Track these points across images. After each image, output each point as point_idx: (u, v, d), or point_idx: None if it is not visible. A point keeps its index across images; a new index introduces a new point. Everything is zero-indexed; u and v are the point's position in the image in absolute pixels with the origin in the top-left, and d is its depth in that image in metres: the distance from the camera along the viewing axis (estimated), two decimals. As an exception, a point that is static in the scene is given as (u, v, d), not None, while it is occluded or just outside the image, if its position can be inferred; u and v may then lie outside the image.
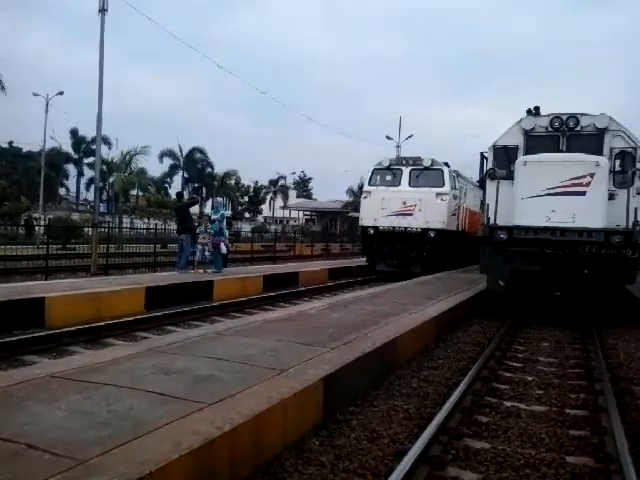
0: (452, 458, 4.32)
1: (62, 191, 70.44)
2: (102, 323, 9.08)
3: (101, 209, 49.30)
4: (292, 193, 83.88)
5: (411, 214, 19.53)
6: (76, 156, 67.16)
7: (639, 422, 5.33)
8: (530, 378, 6.91)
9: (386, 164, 20.36)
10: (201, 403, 3.94)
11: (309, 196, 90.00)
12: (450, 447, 4.50)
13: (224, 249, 15.30)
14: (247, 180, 72.62)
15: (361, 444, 4.51)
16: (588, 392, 6.32)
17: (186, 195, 45.23)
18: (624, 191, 10.60)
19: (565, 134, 11.38)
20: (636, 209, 10.47)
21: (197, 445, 3.21)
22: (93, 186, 23.10)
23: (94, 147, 19.68)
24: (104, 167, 38.56)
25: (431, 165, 19.75)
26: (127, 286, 11.32)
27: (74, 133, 64.96)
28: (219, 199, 18.36)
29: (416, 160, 20.09)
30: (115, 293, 10.61)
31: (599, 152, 10.97)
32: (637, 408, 5.79)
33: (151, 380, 4.48)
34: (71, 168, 68.91)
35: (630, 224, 10.42)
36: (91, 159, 55.66)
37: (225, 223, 15.81)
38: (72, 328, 8.52)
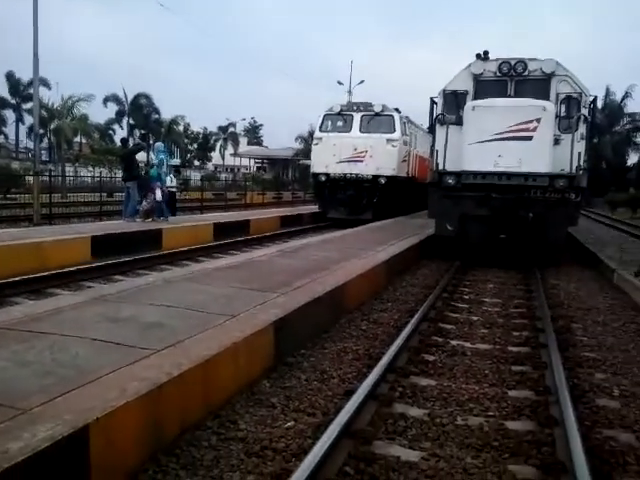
0: (399, 395, 4.44)
1: (0, 138, 67.15)
2: (46, 273, 8.83)
3: (43, 157, 47.48)
4: (243, 140, 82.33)
5: (362, 161, 19.51)
6: (14, 101, 63.81)
7: (577, 357, 5.60)
8: (475, 318, 7.13)
9: (337, 110, 20.14)
10: (149, 350, 3.90)
11: (260, 143, 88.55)
12: (397, 385, 4.63)
13: (159, 195, 14.72)
14: (196, 127, 70.86)
15: (311, 385, 4.59)
16: (530, 330, 6.57)
17: (133, 142, 43.84)
18: (569, 136, 10.80)
19: (513, 79, 11.42)
20: (580, 154, 10.72)
21: (145, 391, 3.19)
22: (33, 133, 21.99)
23: (32, 91, 18.65)
24: (44, 113, 36.80)
25: (382, 111, 19.64)
26: (72, 235, 11.02)
27: (9, 76, 61.47)
28: (159, 143, 17.70)
29: (367, 106, 19.93)
30: (59, 243, 10.31)
31: (546, 97, 11.09)
32: (575, 344, 6.07)
33: (97, 328, 4.40)
34: (9, 114, 65.54)
35: (574, 168, 10.69)
36: (30, 105, 52.93)
37: (166, 168, 15.18)
38: (15, 279, 8.25)
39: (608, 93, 50.79)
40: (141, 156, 20.47)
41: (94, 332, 4.27)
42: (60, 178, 30.05)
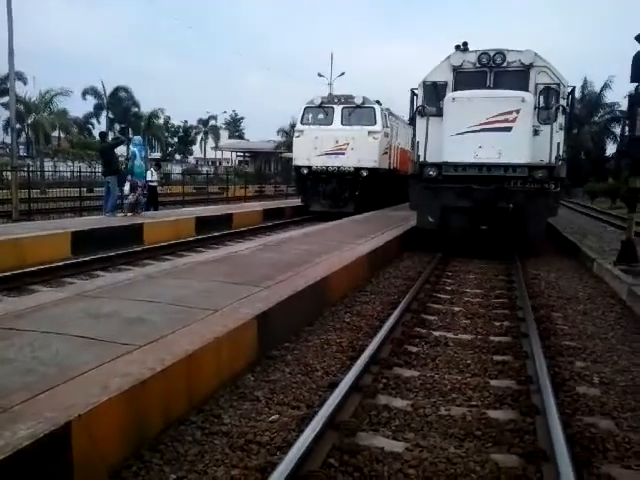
0: (383, 387, 4.47)
1: (-25, 134, 65.97)
2: (26, 270, 8.72)
3: (20, 152, 46.75)
4: (224, 134, 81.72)
5: (343, 153, 19.50)
6: (-12, 95, 62.71)
7: (558, 346, 5.67)
8: (457, 309, 7.19)
9: (318, 102, 20.08)
10: (131, 345, 3.87)
11: (241, 136, 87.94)
12: (381, 376, 4.65)
13: (126, 189, 14.56)
14: (177, 120, 70.24)
15: (295, 378, 4.60)
16: (511, 320, 6.64)
17: (112, 136, 43.37)
18: (548, 127, 10.91)
19: (492, 70, 11.48)
20: (559, 144, 10.84)
21: (127, 387, 3.17)
22: (9, 128, 21.63)
23: (8, 85, 18.35)
24: (21, 107, 36.26)
25: (363, 103, 19.63)
26: (52, 231, 10.88)
27: (-17, 70, 60.40)
28: (137, 137, 17.47)
29: (348, 98, 19.90)
30: (39, 239, 10.19)
31: (525, 88, 11.16)
32: (556, 333, 6.15)
33: (78, 324, 4.35)
34: (-16, 109, 64.38)
35: (553, 159, 10.79)
36: (6, 99, 52.15)
37: (141, 161, 14.92)
38: (-7, 276, 8.15)
39: (586, 84, 51.28)
40: (121, 150, 20.16)
41: (76, 328, 4.23)
42: (39, 173, 29.66)
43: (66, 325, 4.33)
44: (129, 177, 14.32)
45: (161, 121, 63.41)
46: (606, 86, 50.69)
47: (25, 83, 48.36)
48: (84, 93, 58.58)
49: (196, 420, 3.72)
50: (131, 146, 15.42)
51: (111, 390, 3.09)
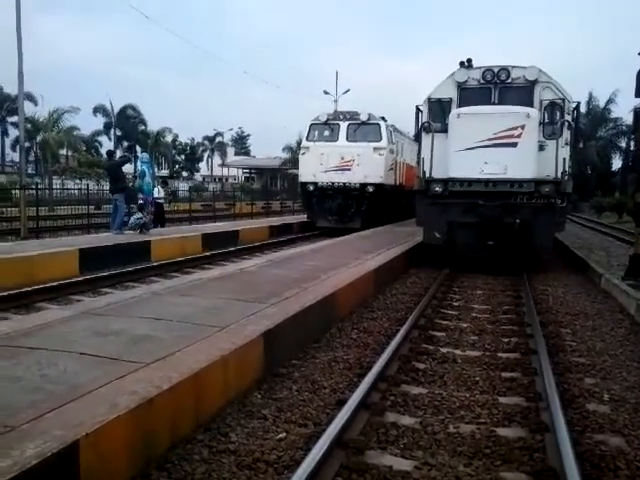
0: (391, 404, 4.45)
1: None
2: (33, 287, 8.75)
3: (29, 170, 47.17)
4: (230, 150, 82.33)
5: (349, 169, 19.57)
6: (-1, 115, 63.42)
7: (567, 362, 5.64)
8: (465, 325, 7.16)
9: (323, 119, 20.21)
10: (139, 363, 3.87)
11: (247, 153, 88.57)
12: (389, 394, 4.63)
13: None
14: (184, 137, 70.82)
15: (302, 395, 4.58)
16: (520, 336, 6.60)
17: (120, 154, 43.73)
18: (553, 142, 10.92)
19: (497, 86, 11.53)
20: (564, 159, 10.84)
21: (135, 405, 3.17)
22: (18, 146, 21.85)
23: (17, 105, 18.58)
24: (29, 126, 36.65)
25: (368, 120, 19.75)
26: (60, 249, 10.94)
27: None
28: (144, 154, 17.64)
29: (353, 115, 20.03)
30: (47, 256, 10.24)
31: (529, 104, 11.20)
32: (565, 349, 6.11)
33: (86, 343, 4.36)
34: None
35: (559, 174, 10.79)
36: (15, 118, 52.65)
37: (150, 179, 15.06)
38: (2, 294, 8.17)
39: (591, 98, 51.45)
40: (128, 168, 20.34)
41: (83, 346, 4.24)
42: (47, 191, 29.86)
43: (73, 343, 4.34)
44: (140, 195, 14.42)
45: (169, 139, 63.96)
46: (611, 100, 50.94)
47: (36, 104, 49.05)
48: (95, 111, 59.38)
49: (203, 438, 3.71)
50: (139, 164, 15.54)
51: (119, 408, 3.09)
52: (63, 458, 2.64)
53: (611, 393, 4.79)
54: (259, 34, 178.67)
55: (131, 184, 15.81)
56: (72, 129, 43.24)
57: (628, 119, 46.28)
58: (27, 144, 39.56)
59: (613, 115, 52.11)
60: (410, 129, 20.44)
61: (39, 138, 40.15)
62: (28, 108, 37.62)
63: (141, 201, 14.43)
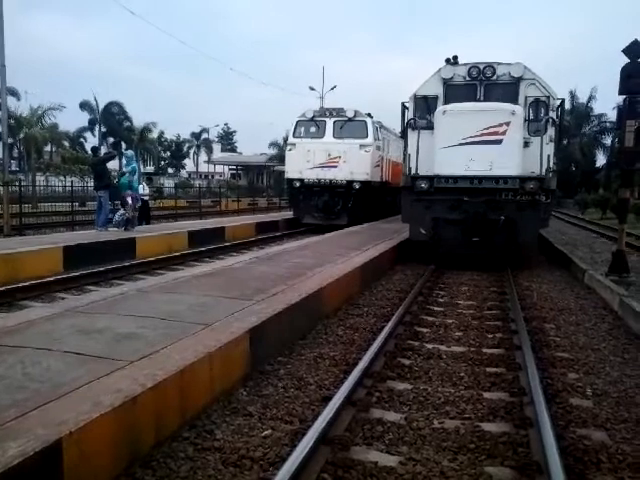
0: (376, 400, 4.46)
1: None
2: (17, 285, 8.67)
3: (12, 167, 46.64)
4: (216, 147, 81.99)
5: (336, 166, 19.59)
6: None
7: (550, 357, 5.69)
8: (450, 321, 7.19)
9: (310, 116, 20.20)
10: (123, 361, 3.85)
11: (234, 150, 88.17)
12: (374, 390, 4.64)
13: (134, 204, 14.71)
14: (169, 134, 70.40)
15: (288, 392, 4.58)
16: (504, 332, 6.64)
17: (104, 150, 43.38)
18: (538, 139, 11.00)
19: (482, 83, 11.58)
20: (549, 156, 10.93)
21: (119, 403, 3.15)
22: (1, 142, 21.59)
23: (0, 99, 18.34)
24: (12, 121, 36.21)
25: (354, 116, 19.77)
26: (43, 246, 10.83)
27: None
28: (129, 151, 17.57)
29: (339, 111, 20.04)
30: (30, 253, 10.13)
31: (515, 101, 11.27)
32: (549, 344, 6.16)
33: (70, 341, 4.33)
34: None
35: (543, 171, 10.87)
36: (-2, 114, 52.05)
37: (137, 176, 15.06)
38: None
39: (574, 96, 51.89)
40: (112, 164, 20.19)
41: (67, 345, 4.20)
42: (30, 188, 29.57)
43: (57, 341, 4.30)
44: (128, 192, 14.32)
45: (154, 135, 63.51)
46: (592, 98, 51.38)
47: (18, 99, 48.43)
48: (81, 106, 58.79)
49: (189, 436, 3.70)
50: (124, 160, 15.45)
51: (102, 406, 3.07)
52: (46, 457, 2.62)
53: (594, 388, 4.84)
54: (246, 32, 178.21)
55: (116, 181, 15.67)
56: (54, 127, 42.76)
57: (612, 116, 46.81)
58: (10, 140, 39.07)
59: (596, 111, 52.64)
60: (396, 126, 20.50)
61: (22, 134, 39.67)
62: (11, 102, 37.23)
63: (129, 198, 14.34)
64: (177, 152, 73.15)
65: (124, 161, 15.33)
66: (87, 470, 2.88)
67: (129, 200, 14.36)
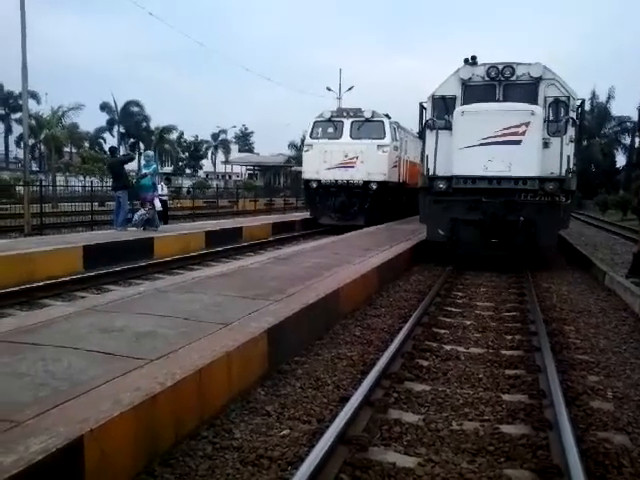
0: (394, 401, 4.44)
1: (-11, 149, 66.77)
2: (37, 284, 8.77)
3: (33, 167, 47.24)
4: (234, 147, 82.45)
5: (353, 166, 19.57)
6: (2, 111, 63.56)
7: (570, 359, 5.62)
8: (468, 322, 7.15)
9: (327, 116, 20.21)
10: (142, 360, 3.88)
11: (251, 150, 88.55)
12: (392, 391, 4.62)
13: (158, 205, 14.92)
14: (188, 134, 70.89)
15: (306, 392, 4.58)
16: (523, 333, 6.58)
17: (123, 151, 43.78)
18: (558, 139, 10.89)
19: (501, 83, 11.48)
20: (569, 157, 10.81)
21: (138, 401, 3.18)
22: (23, 143, 21.91)
23: (21, 102, 18.61)
24: (33, 122, 36.69)
25: (372, 117, 19.73)
26: (63, 245, 10.95)
27: (-1, 88, 61.32)
28: (150, 152, 17.74)
29: (357, 112, 20.01)
30: (50, 253, 10.25)
31: (534, 101, 11.16)
32: (568, 346, 6.09)
33: (90, 339, 4.37)
34: (-2, 124, 65.25)
35: (563, 171, 10.76)
36: (19, 114, 52.71)
37: (158, 177, 15.30)
38: (4, 290, 8.19)
39: (594, 96, 51.36)
40: (130, 166, 20.39)
41: (87, 343, 4.25)
42: (51, 188, 29.91)
43: (77, 339, 4.35)
44: (151, 193, 14.48)
45: (174, 136, 63.98)
46: (610, 97, 50.81)
47: (38, 102, 49.12)
48: (102, 107, 59.45)
49: (207, 435, 3.71)
50: (147, 161, 15.57)
51: (122, 405, 3.10)
52: (68, 454, 2.65)
53: (615, 391, 4.77)
54: (263, 33, 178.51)
55: (134, 181, 15.82)
56: (74, 127, 43.25)
57: (634, 116, 46.22)
58: (31, 141, 39.52)
59: (615, 110, 52.09)
60: (414, 126, 20.42)
61: (43, 135, 40.14)
62: (31, 106, 37.68)
63: (157, 200, 14.59)
64: (195, 153, 73.57)
65: (143, 161, 15.42)
66: (107, 467, 2.91)
67: (156, 202, 14.56)
